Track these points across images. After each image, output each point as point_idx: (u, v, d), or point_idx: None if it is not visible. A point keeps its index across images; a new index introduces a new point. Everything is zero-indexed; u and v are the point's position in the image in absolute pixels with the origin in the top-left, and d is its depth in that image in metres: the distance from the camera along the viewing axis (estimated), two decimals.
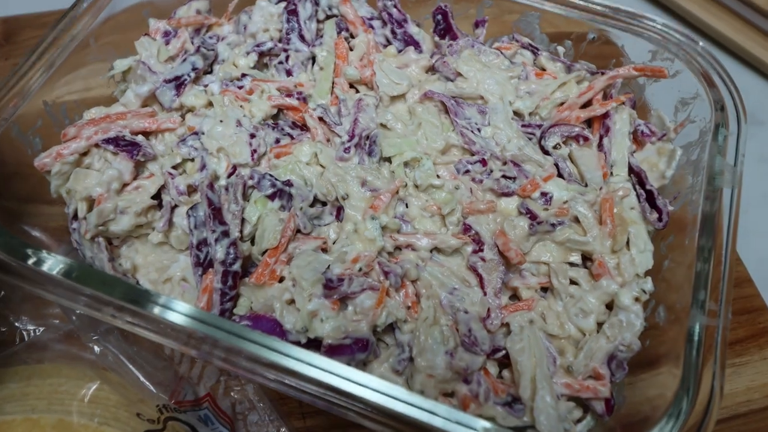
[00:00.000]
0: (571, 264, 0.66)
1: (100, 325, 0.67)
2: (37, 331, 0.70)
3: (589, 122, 0.76)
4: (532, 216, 0.65)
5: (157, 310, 0.53)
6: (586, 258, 0.66)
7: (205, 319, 0.52)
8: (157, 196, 0.68)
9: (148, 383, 0.66)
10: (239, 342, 0.51)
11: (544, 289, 0.66)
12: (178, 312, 0.52)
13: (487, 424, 0.48)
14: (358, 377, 0.50)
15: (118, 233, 0.66)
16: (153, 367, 0.68)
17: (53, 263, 0.55)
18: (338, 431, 0.70)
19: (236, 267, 0.61)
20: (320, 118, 0.72)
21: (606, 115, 0.74)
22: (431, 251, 0.65)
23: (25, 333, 0.70)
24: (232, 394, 0.71)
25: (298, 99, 0.74)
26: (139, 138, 0.69)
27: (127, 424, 0.62)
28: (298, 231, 0.64)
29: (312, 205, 0.66)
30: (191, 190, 0.68)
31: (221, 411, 0.69)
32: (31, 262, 0.55)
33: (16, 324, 0.70)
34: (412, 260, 0.63)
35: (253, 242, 0.64)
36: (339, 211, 0.66)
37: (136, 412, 0.63)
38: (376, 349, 0.60)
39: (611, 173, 0.71)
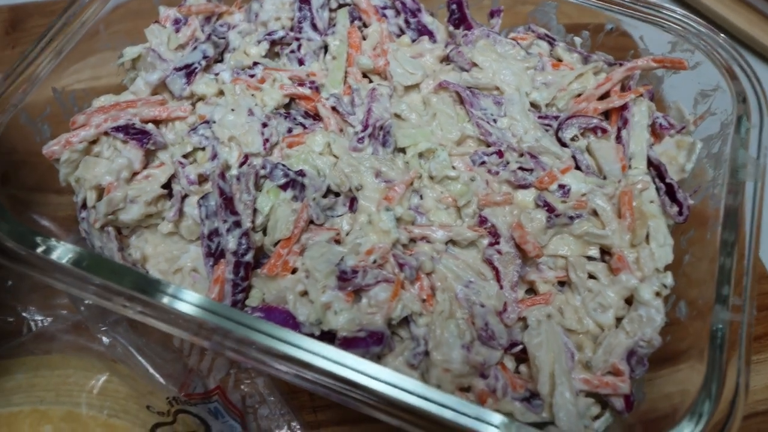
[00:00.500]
0: (590, 258, 0.64)
1: (108, 315, 0.65)
2: (44, 321, 0.69)
3: (606, 114, 0.74)
4: (550, 209, 0.64)
5: (167, 299, 0.51)
6: (605, 252, 0.65)
7: (216, 310, 0.51)
8: (167, 185, 0.67)
9: (157, 375, 0.65)
10: (251, 333, 0.50)
11: (562, 284, 0.64)
12: (189, 302, 0.51)
13: (505, 419, 0.47)
14: (372, 370, 0.49)
15: (128, 223, 0.65)
16: (162, 359, 0.66)
17: (63, 251, 0.54)
18: (349, 425, 0.69)
19: (248, 258, 0.60)
20: (333, 108, 0.70)
21: (624, 107, 0.73)
22: (446, 243, 0.63)
23: (32, 323, 0.69)
24: (242, 387, 0.70)
25: (310, 88, 0.72)
26: (149, 126, 0.68)
27: (136, 416, 0.61)
28: (311, 222, 0.63)
29: (325, 196, 0.65)
30: (202, 179, 0.66)
31: (231, 404, 0.68)
32: (40, 250, 0.54)
33: (24, 314, 0.70)
34: (427, 252, 0.62)
35: (265, 233, 0.63)
36: (352, 202, 0.65)
37: (145, 405, 0.62)
38: (391, 343, 0.58)
39: (630, 166, 0.70)
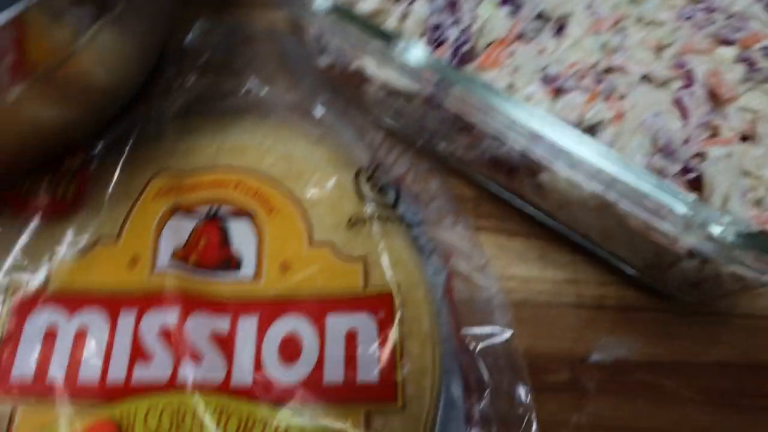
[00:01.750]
0: None
1: (325, 91, 0.76)
2: (263, 91, 0.80)
3: None
4: (750, 63, 0.67)
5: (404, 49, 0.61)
6: None
7: (440, 65, 0.59)
8: None
9: (359, 149, 0.75)
10: (472, 87, 0.58)
11: (744, 138, 0.68)
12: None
13: (695, 198, 0.53)
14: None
15: (363, 14, 0.74)
16: (364, 140, 0.77)
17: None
18: (506, 236, 0.77)
19: (465, 48, 0.68)
20: None
21: None
22: (641, 79, 0.68)
23: (252, 90, 0.80)
24: (417, 186, 0.79)
25: None
26: None
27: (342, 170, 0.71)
28: (522, 37, 0.70)
29: (536, 19, 0.71)
30: None
31: (409, 196, 0.77)
32: None
33: (245, 82, 0.80)
34: (622, 81, 0.67)
35: (479, 39, 0.70)
36: (560, 30, 0.71)
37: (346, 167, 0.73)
38: None
39: None
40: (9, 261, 0.65)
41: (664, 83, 0.68)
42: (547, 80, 0.64)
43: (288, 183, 0.70)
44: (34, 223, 0.67)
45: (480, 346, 0.68)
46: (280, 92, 0.80)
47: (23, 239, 0.66)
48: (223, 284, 0.64)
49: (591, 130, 0.65)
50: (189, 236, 0.67)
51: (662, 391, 0.69)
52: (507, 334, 0.68)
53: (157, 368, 0.59)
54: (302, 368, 0.60)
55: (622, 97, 0.67)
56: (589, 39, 0.67)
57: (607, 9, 0.70)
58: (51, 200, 0.67)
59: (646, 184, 0.53)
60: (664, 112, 0.66)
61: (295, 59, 0.82)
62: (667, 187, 0.53)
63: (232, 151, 0.72)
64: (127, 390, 0.58)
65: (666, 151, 0.63)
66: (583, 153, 0.55)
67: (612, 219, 0.64)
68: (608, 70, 0.68)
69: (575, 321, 0.73)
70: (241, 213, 0.69)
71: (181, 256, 0.66)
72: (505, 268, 0.75)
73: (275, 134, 0.76)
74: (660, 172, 0.61)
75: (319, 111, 0.77)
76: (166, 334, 0.61)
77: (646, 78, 0.68)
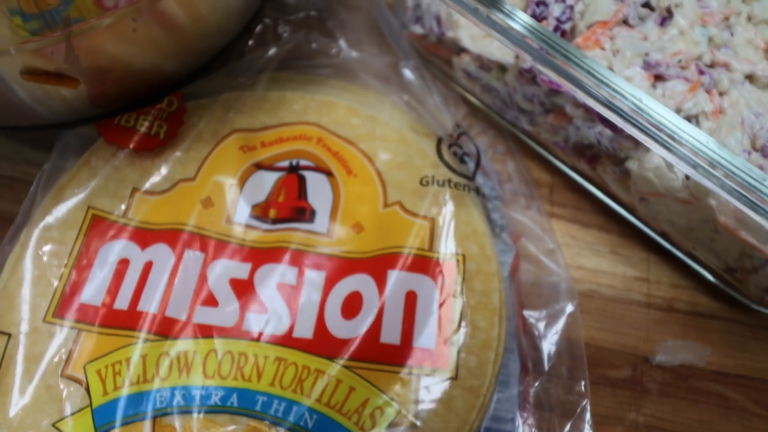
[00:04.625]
0: None
1: (413, 59, 0.76)
2: (352, 53, 0.81)
3: None
4: None
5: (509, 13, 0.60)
6: None
7: (544, 33, 0.58)
8: None
9: (440, 122, 0.75)
10: (575, 59, 0.57)
11: None
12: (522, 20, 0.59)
13: None
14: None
15: None
16: (445, 111, 0.76)
17: None
18: (579, 226, 0.75)
19: (567, 26, 0.67)
20: None
21: None
22: (746, 77, 0.66)
23: (341, 51, 0.81)
24: (493, 165, 0.78)
25: None
26: None
27: (423, 134, 0.71)
28: (625, 22, 0.68)
29: (642, 6, 0.70)
30: None
31: (486, 171, 0.76)
32: None
33: (335, 42, 0.81)
34: (725, 77, 0.65)
35: (581, 19, 0.69)
36: (663, 21, 0.69)
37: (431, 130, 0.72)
38: None
39: None
40: (93, 185, 0.67)
41: None
42: (649, 66, 0.63)
43: (369, 145, 0.71)
44: (123, 153, 0.69)
45: (542, 328, 0.66)
46: (369, 57, 0.81)
47: (110, 167, 0.68)
48: (295, 233, 0.65)
49: (688, 121, 0.63)
50: (270, 189, 0.68)
51: (727, 403, 0.67)
52: (569, 308, 0.67)
53: (222, 313, 0.60)
54: (361, 323, 0.60)
55: (722, 94, 0.65)
56: (696, 30, 0.66)
57: (717, 3, 0.68)
58: (144, 135, 0.69)
59: (752, 175, 0.51)
60: (766, 114, 0.63)
61: (388, 26, 0.82)
62: None
63: (320, 107, 0.73)
64: (190, 330, 0.59)
65: (765, 151, 0.60)
66: (689, 137, 0.53)
67: (698, 214, 0.62)
68: (712, 65, 0.66)
69: (643, 320, 0.71)
70: (320, 170, 0.69)
71: (261, 211, 0.66)
72: (574, 257, 0.74)
73: (362, 96, 0.76)
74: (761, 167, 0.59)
75: (406, 78, 0.77)
76: (234, 282, 0.62)
77: (750, 77, 0.66)
